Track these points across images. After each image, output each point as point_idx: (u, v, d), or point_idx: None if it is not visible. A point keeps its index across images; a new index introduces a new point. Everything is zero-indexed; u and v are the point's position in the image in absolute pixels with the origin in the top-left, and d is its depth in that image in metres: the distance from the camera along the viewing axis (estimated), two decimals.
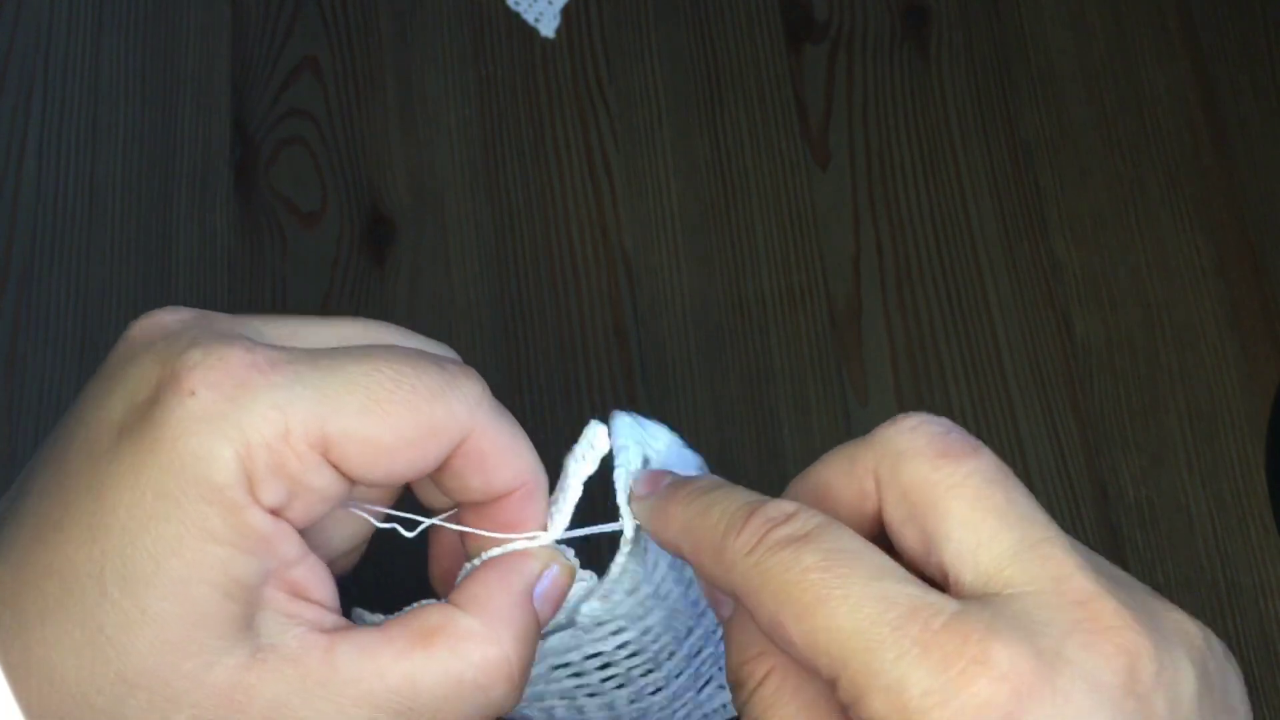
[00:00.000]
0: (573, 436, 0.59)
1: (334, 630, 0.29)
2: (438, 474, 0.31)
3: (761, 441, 0.59)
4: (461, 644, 0.29)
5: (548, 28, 0.66)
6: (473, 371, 0.31)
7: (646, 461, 0.35)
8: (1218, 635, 0.52)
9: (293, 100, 0.65)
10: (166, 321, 0.29)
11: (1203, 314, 0.61)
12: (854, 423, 0.59)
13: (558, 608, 0.32)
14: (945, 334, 0.60)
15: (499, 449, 0.31)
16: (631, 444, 0.35)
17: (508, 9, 0.66)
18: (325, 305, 0.61)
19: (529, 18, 0.66)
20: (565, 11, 0.66)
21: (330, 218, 0.63)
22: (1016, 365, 0.60)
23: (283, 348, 0.29)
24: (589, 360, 0.60)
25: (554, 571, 0.31)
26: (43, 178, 0.63)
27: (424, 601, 0.31)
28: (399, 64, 0.66)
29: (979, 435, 0.59)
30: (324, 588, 0.29)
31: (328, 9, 0.66)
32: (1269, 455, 0.58)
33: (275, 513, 0.28)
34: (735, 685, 0.30)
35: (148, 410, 0.27)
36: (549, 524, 0.33)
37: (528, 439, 0.32)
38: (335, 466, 0.29)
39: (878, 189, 0.63)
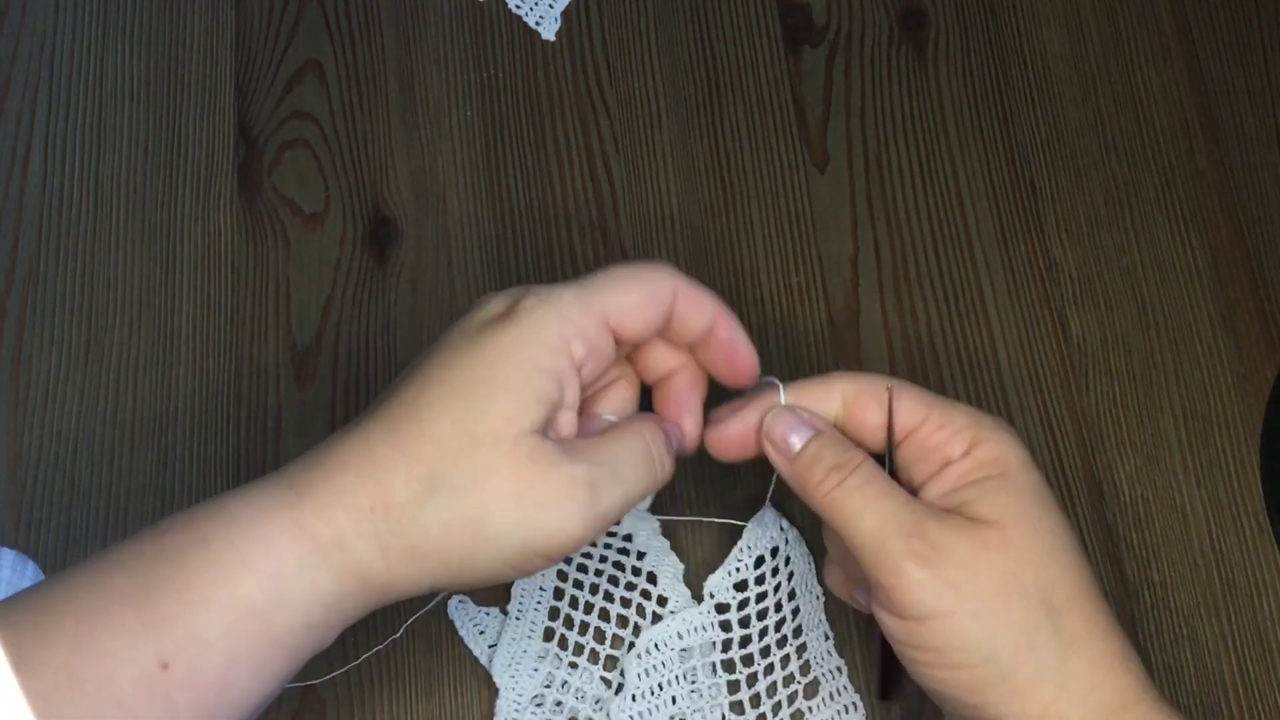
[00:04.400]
0: None
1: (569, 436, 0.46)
2: (670, 329, 0.48)
3: None
4: (635, 428, 0.47)
5: (548, 30, 0.66)
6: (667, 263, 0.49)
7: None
8: (1213, 632, 0.54)
9: (296, 102, 0.65)
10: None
11: (1198, 314, 0.61)
12: None
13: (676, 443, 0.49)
14: (942, 334, 0.61)
15: (697, 294, 0.48)
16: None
17: (509, 12, 0.67)
18: (328, 306, 0.62)
19: (530, 20, 0.67)
20: (566, 14, 0.67)
21: (333, 219, 0.63)
22: (1013, 365, 0.60)
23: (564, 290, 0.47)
24: None
25: (683, 434, 0.50)
26: (48, 179, 0.64)
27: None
28: (401, 66, 0.66)
29: None
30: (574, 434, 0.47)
31: (330, 12, 0.67)
32: (1263, 454, 0.59)
33: (578, 367, 0.46)
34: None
35: (505, 315, 0.45)
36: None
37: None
38: (612, 332, 0.47)
39: (875, 190, 0.63)
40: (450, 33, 0.67)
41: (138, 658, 0.41)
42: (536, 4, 0.67)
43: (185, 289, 0.62)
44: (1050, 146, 0.64)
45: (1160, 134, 0.64)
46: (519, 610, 0.55)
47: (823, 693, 0.54)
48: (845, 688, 0.54)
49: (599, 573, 0.55)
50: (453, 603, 0.56)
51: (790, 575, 0.53)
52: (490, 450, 0.43)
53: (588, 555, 0.55)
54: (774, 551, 0.52)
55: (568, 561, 0.55)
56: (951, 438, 0.46)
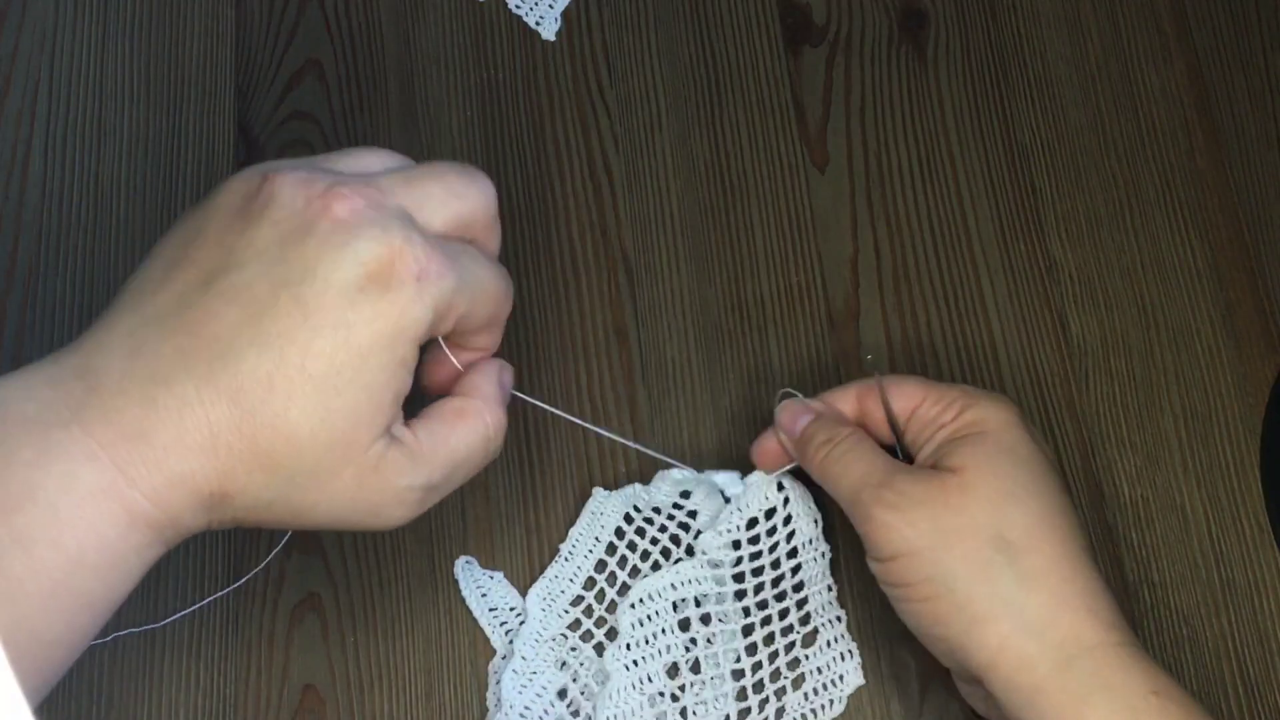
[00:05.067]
0: (572, 437, 0.59)
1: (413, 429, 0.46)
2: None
3: None
4: (478, 416, 0.47)
5: (548, 30, 0.66)
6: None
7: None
8: (1213, 633, 0.54)
9: (296, 103, 0.65)
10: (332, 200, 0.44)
11: (1197, 314, 0.61)
12: None
13: (508, 394, 0.49)
14: (942, 334, 0.61)
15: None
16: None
17: (509, 12, 0.67)
18: None
19: (530, 21, 0.67)
20: (566, 14, 0.67)
21: None
22: (1013, 365, 0.60)
23: (436, 244, 0.44)
24: (589, 360, 0.61)
25: (509, 372, 0.49)
26: (48, 179, 0.64)
27: (437, 400, 0.48)
28: (401, 67, 0.66)
29: None
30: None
31: (330, 12, 0.67)
32: (1263, 454, 0.59)
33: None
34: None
35: (380, 282, 0.42)
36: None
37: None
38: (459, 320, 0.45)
39: (875, 191, 0.63)
40: (450, 33, 0.67)
41: None
42: (536, 4, 0.67)
43: None
44: (1050, 146, 0.64)
45: (1160, 134, 0.64)
46: (569, 552, 0.57)
47: (820, 640, 0.55)
48: (843, 635, 0.56)
49: (655, 540, 0.56)
50: (459, 563, 0.57)
51: (790, 535, 0.55)
52: (341, 454, 0.43)
53: (649, 520, 0.57)
54: (769, 513, 0.55)
55: (628, 520, 0.57)
56: (945, 409, 0.51)
